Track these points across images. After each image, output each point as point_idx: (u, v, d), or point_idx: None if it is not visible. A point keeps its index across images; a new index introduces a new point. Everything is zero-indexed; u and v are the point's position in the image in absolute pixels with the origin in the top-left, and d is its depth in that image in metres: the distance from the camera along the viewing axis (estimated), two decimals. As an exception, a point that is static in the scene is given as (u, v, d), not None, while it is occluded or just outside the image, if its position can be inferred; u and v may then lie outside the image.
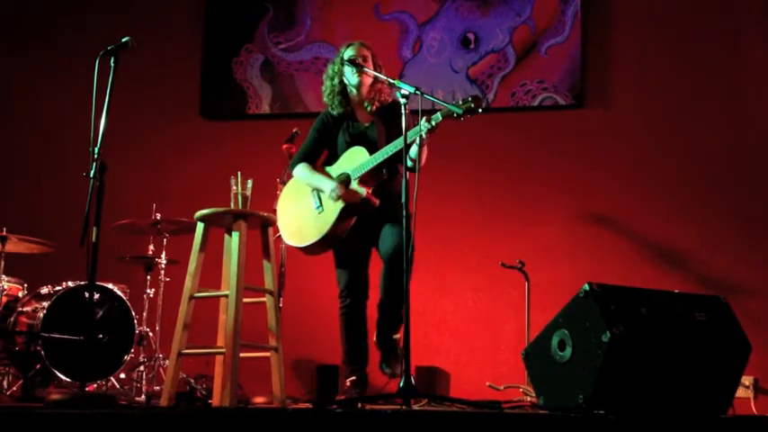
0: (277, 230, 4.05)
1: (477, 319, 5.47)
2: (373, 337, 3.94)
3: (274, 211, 4.15)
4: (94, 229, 3.18)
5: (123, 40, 3.38)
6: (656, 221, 5.39)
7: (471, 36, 5.83)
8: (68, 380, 4.50)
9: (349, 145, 3.97)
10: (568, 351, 2.80)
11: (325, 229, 3.90)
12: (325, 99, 4.13)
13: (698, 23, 5.58)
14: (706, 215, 5.32)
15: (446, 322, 5.51)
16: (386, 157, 3.79)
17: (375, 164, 3.81)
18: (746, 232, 5.26)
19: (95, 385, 4.68)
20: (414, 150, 3.73)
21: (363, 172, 3.84)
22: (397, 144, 3.72)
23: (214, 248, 3.72)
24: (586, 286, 2.80)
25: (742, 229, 5.26)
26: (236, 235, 3.57)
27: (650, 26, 5.66)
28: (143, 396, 4.57)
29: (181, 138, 6.04)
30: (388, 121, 3.99)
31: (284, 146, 4.53)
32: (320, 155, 4.13)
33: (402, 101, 3.45)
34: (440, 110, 3.60)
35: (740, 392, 4.77)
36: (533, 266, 4.98)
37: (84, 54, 3.74)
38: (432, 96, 3.71)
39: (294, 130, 4.59)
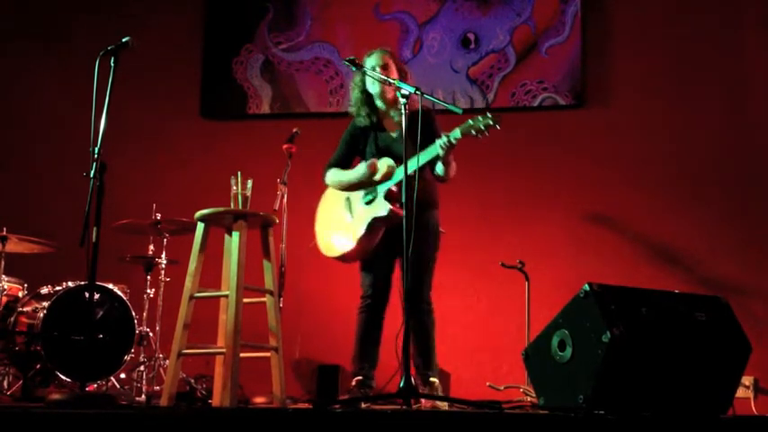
0: (278, 231, 4.07)
1: (477, 319, 5.47)
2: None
3: (274, 212, 4.16)
4: (94, 229, 3.18)
5: (123, 40, 3.38)
6: (656, 221, 5.39)
7: (471, 36, 5.83)
8: (68, 380, 4.50)
9: (376, 157, 4.00)
10: (568, 351, 2.80)
11: (355, 241, 3.96)
12: (350, 110, 4.12)
13: (698, 23, 5.58)
14: (707, 215, 5.32)
15: (446, 322, 5.48)
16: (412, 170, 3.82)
17: (399, 179, 3.83)
18: (747, 232, 5.26)
19: (95, 385, 4.68)
20: (439, 167, 3.87)
21: (388, 187, 3.89)
22: (418, 159, 3.73)
23: (214, 248, 3.72)
24: (586, 286, 2.80)
25: (743, 228, 5.27)
26: (236, 235, 3.57)
27: (650, 26, 5.66)
28: (143, 396, 4.57)
29: (181, 138, 6.03)
30: (415, 132, 3.99)
31: (284, 146, 4.53)
32: (350, 163, 4.16)
33: (402, 101, 3.46)
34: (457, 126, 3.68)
35: (740, 392, 4.76)
36: (533, 266, 4.98)
37: (84, 54, 3.74)
38: (432, 96, 3.72)
39: (294, 130, 4.59)
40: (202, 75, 6.13)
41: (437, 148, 3.72)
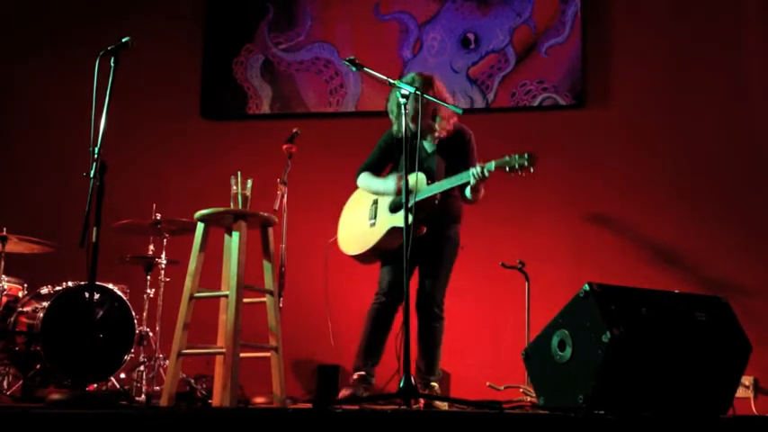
0: (279, 231, 4.07)
1: (477, 319, 5.47)
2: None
3: (274, 212, 4.16)
4: (94, 229, 3.18)
5: (123, 40, 3.39)
6: (656, 221, 5.39)
7: (471, 36, 5.83)
8: (68, 380, 4.50)
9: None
10: (568, 351, 2.80)
11: (371, 244, 4.02)
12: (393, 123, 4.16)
13: (698, 23, 5.58)
14: (706, 215, 5.32)
15: (446, 322, 5.49)
16: (438, 192, 3.87)
17: (427, 196, 3.86)
18: (747, 232, 5.26)
19: (95, 385, 4.68)
20: (468, 192, 3.95)
21: (415, 201, 3.90)
22: (449, 182, 3.83)
23: (214, 248, 3.72)
24: (586, 286, 2.80)
25: (742, 228, 5.26)
26: (236, 235, 3.57)
27: (650, 26, 5.66)
28: (143, 396, 4.57)
29: (181, 138, 6.03)
30: (448, 152, 4.04)
31: (284, 146, 4.53)
32: (383, 169, 4.23)
33: (402, 101, 3.48)
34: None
35: (740, 392, 4.76)
36: (533, 266, 4.98)
37: (85, 54, 3.74)
38: (431, 97, 3.72)
39: (294, 130, 4.59)
40: (202, 75, 6.13)
41: (469, 175, 3.78)
